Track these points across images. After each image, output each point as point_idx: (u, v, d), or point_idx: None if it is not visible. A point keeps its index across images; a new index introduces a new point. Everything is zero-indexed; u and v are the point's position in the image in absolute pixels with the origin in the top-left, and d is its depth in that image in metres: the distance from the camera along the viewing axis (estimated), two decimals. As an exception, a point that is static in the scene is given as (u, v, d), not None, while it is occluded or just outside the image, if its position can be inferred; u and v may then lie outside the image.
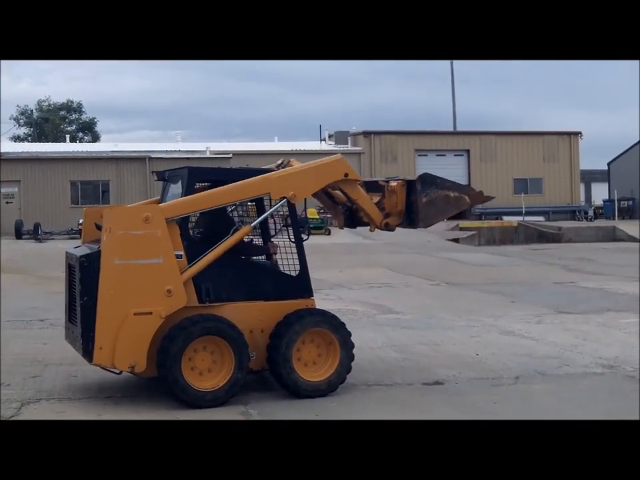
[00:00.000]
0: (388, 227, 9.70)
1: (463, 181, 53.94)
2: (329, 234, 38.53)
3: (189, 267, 8.57)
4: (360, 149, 52.76)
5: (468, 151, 54.38)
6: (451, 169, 53.35)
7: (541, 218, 50.13)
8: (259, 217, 9.72)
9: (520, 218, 48.22)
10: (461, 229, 43.80)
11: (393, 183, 9.65)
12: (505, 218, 49.01)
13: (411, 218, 9.61)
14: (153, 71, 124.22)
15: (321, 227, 38.86)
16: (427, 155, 53.81)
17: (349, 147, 52.83)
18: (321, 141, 54.84)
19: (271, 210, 9.14)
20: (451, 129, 62.41)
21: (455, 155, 54.52)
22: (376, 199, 9.74)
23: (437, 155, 54.13)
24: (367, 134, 53.64)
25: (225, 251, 8.72)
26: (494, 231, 44.58)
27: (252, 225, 9.07)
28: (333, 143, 54.44)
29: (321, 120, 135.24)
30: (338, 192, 9.87)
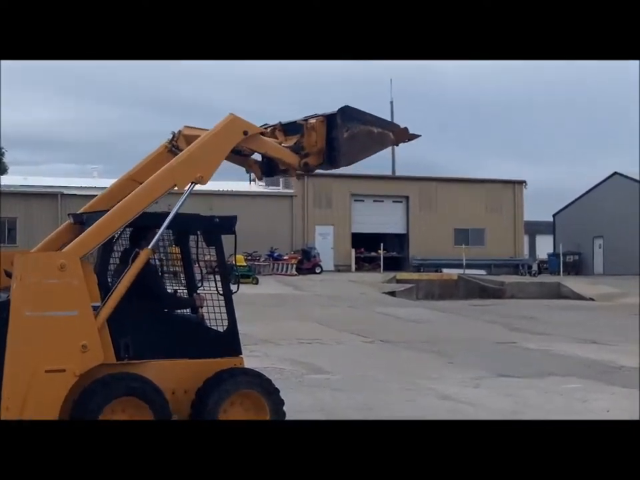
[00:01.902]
0: (307, 167, 9.85)
1: (401, 229, 54.95)
2: (257, 283, 38.62)
3: (100, 309, 8.42)
4: (292, 191, 52.81)
5: (407, 198, 54.75)
6: (388, 216, 54.42)
7: (482, 271, 50.62)
8: (183, 261, 9.71)
9: (461, 271, 48.88)
10: (398, 281, 44.43)
11: (312, 120, 9.72)
12: (445, 270, 49.73)
13: (332, 156, 9.71)
14: (73, 100, 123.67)
15: (249, 276, 38.74)
16: (363, 201, 54.18)
17: (280, 189, 53.02)
18: (250, 181, 53.53)
19: (183, 197, 8.98)
20: (390, 173, 62.73)
21: (393, 202, 54.96)
22: (293, 140, 9.84)
23: (374, 201, 54.68)
24: (299, 175, 53.14)
25: (130, 281, 8.56)
26: (433, 284, 45.29)
27: (149, 246, 8.81)
28: (264, 184, 53.59)
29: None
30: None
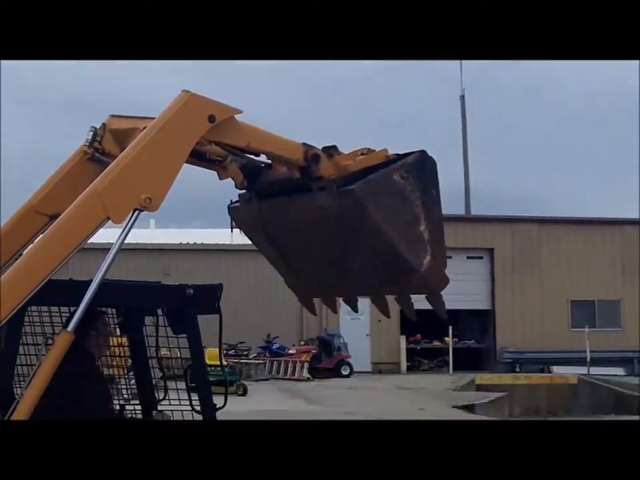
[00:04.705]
0: (316, 165, 7.46)
1: (482, 302, 38.96)
2: (245, 393, 27.37)
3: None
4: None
5: (491, 251, 38.47)
6: (461, 282, 33.12)
7: (619, 370, 37.53)
8: (134, 359, 7.77)
9: (584, 370, 35.88)
10: (478, 387, 34.10)
11: (376, 149, 7.55)
12: (557, 369, 37.19)
13: (351, 180, 7.28)
14: None
15: (231, 382, 26.23)
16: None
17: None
18: (232, 229, 40.14)
19: (126, 231, 6.76)
20: (462, 212, 45.06)
21: (468, 258, 37.97)
22: None
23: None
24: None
25: (41, 387, 6.19)
26: (537, 392, 33.97)
27: (69, 328, 6.47)
28: None
29: (234, 193, 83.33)
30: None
